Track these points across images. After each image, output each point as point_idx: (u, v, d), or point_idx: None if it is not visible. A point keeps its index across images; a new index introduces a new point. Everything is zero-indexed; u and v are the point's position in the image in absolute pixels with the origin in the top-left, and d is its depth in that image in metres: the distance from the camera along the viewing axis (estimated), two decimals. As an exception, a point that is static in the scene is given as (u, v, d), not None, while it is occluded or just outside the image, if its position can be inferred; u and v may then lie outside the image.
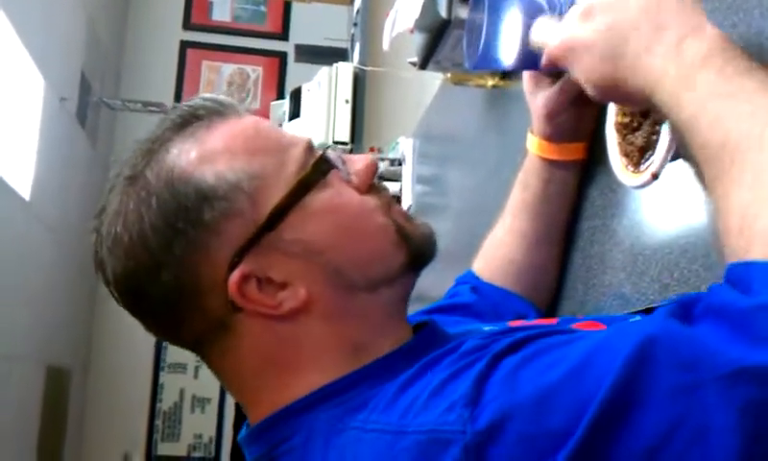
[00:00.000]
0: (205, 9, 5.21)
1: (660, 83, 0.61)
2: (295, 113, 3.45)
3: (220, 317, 0.68)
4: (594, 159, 0.95)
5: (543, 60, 0.74)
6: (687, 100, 0.58)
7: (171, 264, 0.67)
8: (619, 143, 0.80)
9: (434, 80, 1.75)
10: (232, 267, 0.67)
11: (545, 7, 0.85)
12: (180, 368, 4.78)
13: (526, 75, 0.96)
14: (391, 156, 2.28)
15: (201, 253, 0.67)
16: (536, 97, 0.95)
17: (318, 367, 0.67)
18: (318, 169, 0.69)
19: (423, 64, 1.31)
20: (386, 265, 0.70)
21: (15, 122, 3.18)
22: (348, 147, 3.20)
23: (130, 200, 0.68)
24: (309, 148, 0.71)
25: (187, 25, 5.13)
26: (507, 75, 1.29)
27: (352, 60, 3.68)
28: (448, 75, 1.41)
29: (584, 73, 0.68)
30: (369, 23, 3.60)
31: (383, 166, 2.21)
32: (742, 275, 0.48)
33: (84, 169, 4.07)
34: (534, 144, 0.96)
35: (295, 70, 4.92)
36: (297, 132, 0.76)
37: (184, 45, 5.09)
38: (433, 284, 1.60)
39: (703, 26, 0.61)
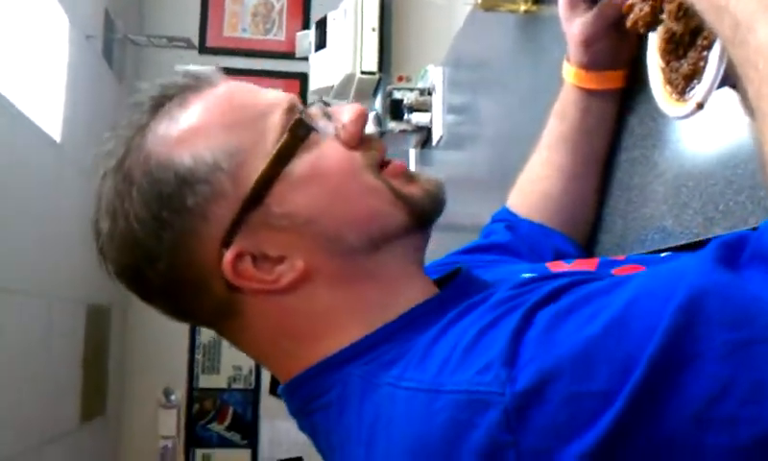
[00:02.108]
0: (227, -61, 5.11)
1: None
2: (321, 44, 3.40)
3: (224, 299, 0.67)
4: (634, 88, 0.91)
5: None
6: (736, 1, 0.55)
7: (164, 254, 0.66)
8: (663, 70, 0.77)
9: (464, 5, 1.71)
10: (224, 249, 0.65)
11: None
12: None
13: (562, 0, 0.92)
14: (420, 85, 2.24)
15: (191, 239, 0.66)
16: (572, 23, 0.91)
17: (338, 330, 0.66)
18: (295, 134, 0.66)
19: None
20: (383, 225, 0.68)
21: (42, 63, 3.17)
22: (375, 76, 3.15)
23: (114, 194, 0.67)
24: (290, 110, 0.68)
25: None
26: None
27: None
28: (478, 0, 1.37)
29: None
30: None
31: (413, 96, 2.18)
32: None
33: (112, 108, 4.07)
34: (570, 73, 0.93)
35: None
36: (279, 91, 0.71)
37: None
38: (468, 215, 1.58)
39: None
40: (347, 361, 0.64)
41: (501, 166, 1.48)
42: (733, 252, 0.48)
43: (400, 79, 2.75)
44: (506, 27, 1.44)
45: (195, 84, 0.69)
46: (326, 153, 0.67)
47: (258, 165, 0.65)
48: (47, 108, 3.21)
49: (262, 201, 0.65)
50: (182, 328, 4.79)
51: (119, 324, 4.40)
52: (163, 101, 0.69)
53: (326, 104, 0.72)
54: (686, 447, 0.43)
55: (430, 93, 2.14)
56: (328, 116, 0.70)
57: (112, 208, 0.67)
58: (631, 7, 0.76)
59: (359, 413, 0.61)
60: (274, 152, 0.65)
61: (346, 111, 0.70)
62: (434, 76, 2.11)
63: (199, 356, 4.80)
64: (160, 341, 4.62)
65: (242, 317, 0.68)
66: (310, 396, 0.66)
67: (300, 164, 0.66)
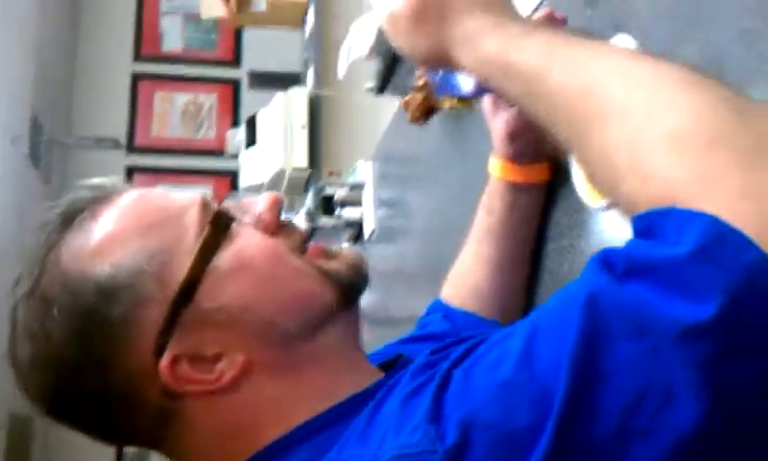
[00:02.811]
0: (156, 39, 5.16)
1: (493, 33, 0.60)
2: (251, 141, 3.42)
3: (161, 407, 0.64)
4: (558, 180, 0.94)
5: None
6: (530, 47, 0.57)
7: (93, 369, 0.64)
8: (583, 164, 0.79)
9: (391, 103, 1.74)
10: (159, 355, 0.63)
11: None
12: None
13: (486, 97, 0.95)
14: (350, 180, 2.26)
15: (121, 349, 0.63)
16: (496, 118, 0.94)
17: (283, 420, 0.64)
18: (217, 226, 0.66)
19: (381, 89, 1.30)
20: (316, 306, 0.67)
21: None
22: (306, 172, 3.18)
23: (32, 316, 0.65)
24: (204, 206, 0.68)
25: (138, 56, 5.08)
26: (465, 98, 1.28)
27: (307, 85, 3.66)
28: (406, 98, 1.40)
29: (404, 42, 0.67)
30: (322, 46, 3.59)
31: (344, 191, 2.19)
32: (650, 226, 0.45)
33: (38, 209, 4.00)
34: (496, 167, 0.96)
35: (249, 97, 4.88)
36: (188, 192, 0.71)
37: (136, 77, 5.04)
38: (403, 307, 1.59)
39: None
40: (282, 451, 0.62)
41: (433, 259, 1.49)
42: (610, 268, 0.47)
43: (331, 174, 2.77)
44: (433, 124, 1.47)
45: (102, 195, 0.68)
46: (249, 241, 0.67)
47: (183, 262, 0.64)
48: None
49: (192, 298, 0.64)
50: (112, 434, 4.62)
51: (42, 434, 4.22)
52: (72, 215, 0.67)
53: (238, 199, 0.73)
54: None
55: (361, 188, 2.16)
56: (243, 210, 0.70)
57: (31, 331, 0.65)
58: (408, 103, 0.80)
59: None
60: (197, 247, 0.65)
61: (260, 201, 0.70)
62: (364, 171, 2.13)
63: (128, 464, 4.62)
64: (85, 452, 4.44)
65: (181, 422, 0.65)
66: None
67: (226, 256, 0.65)
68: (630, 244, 0.46)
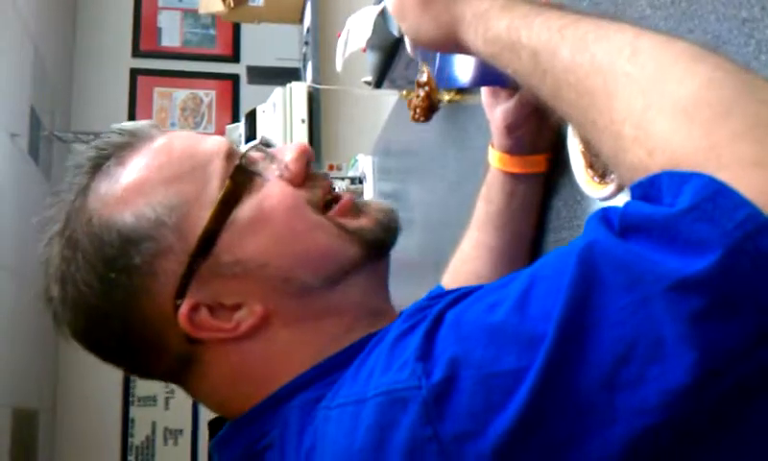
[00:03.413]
0: (154, 35, 5.16)
1: (502, 12, 0.61)
2: (251, 136, 3.41)
3: (182, 352, 0.66)
4: (558, 171, 0.94)
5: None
6: (538, 26, 0.57)
7: (116, 315, 0.65)
8: (583, 154, 0.79)
9: (390, 96, 1.74)
10: (178, 303, 0.64)
11: None
12: (151, 401, 4.70)
13: (484, 89, 0.95)
14: (351, 173, 2.26)
15: (142, 297, 0.65)
16: (494, 110, 0.94)
17: (295, 366, 0.65)
18: (237, 181, 0.66)
19: (378, 83, 1.30)
20: (336, 260, 0.68)
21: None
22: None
23: (60, 260, 0.67)
24: (228, 156, 0.68)
25: (136, 52, 5.08)
26: (463, 90, 1.28)
27: (306, 80, 3.66)
28: (404, 92, 1.40)
29: (411, 25, 0.68)
30: (320, 41, 3.59)
31: (343, 185, 2.19)
32: (648, 189, 0.46)
33: (39, 205, 4.00)
34: (495, 158, 0.96)
35: (248, 92, 4.88)
36: (217, 137, 0.71)
37: (134, 73, 5.03)
38: (404, 297, 1.59)
39: None
40: (289, 396, 0.63)
41: (433, 250, 1.50)
42: (608, 224, 0.47)
43: (331, 168, 2.77)
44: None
45: (132, 141, 0.69)
46: (270, 194, 0.67)
47: (202, 216, 0.65)
48: (-30, 208, 3.13)
49: (210, 251, 0.64)
50: (114, 430, 4.64)
51: (48, 427, 4.24)
52: (101, 161, 0.68)
53: (268, 144, 0.72)
54: (599, 413, 0.43)
55: (361, 181, 2.16)
56: (271, 158, 0.70)
57: (60, 274, 0.67)
58: (410, 101, 0.80)
59: (297, 447, 0.59)
60: (217, 201, 0.65)
61: (288, 151, 0.70)
62: (364, 164, 2.13)
63: (132, 458, 4.63)
64: (92, 443, 4.45)
65: (201, 365, 0.67)
66: (254, 437, 0.64)
67: (245, 209, 0.66)
68: (627, 204, 0.46)
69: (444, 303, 0.53)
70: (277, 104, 3.27)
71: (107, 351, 0.69)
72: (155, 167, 0.67)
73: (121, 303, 0.65)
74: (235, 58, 5.15)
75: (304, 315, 0.66)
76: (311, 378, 0.63)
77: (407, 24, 0.68)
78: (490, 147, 0.96)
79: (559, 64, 0.55)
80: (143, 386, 4.68)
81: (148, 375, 0.71)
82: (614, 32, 0.53)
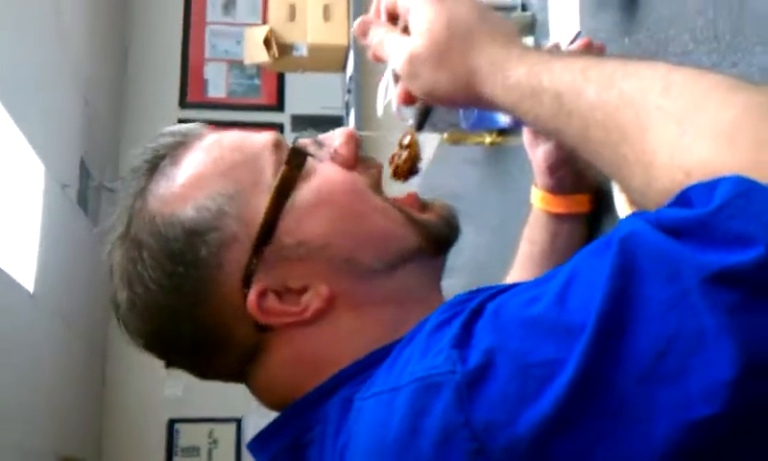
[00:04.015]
0: (201, 86, 5.26)
1: (521, 61, 0.59)
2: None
3: (252, 342, 0.66)
4: (602, 210, 0.93)
5: (400, 96, 0.71)
6: (559, 70, 0.56)
7: (186, 311, 0.65)
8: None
9: (431, 140, 1.74)
10: (246, 290, 0.64)
11: None
12: (194, 451, 4.70)
13: (526, 129, 0.94)
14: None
15: (211, 288, 0.65)
16: (536, 150, 0.93)
17: (354, 352, 0.64)
18: (292, 164, 0.67)
19: (419, 127, 1.29)
20: (397, 243, 0.68)
21: (17, 213, 3.18)
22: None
23: (126, 261, 0.67)
24: (277, 145, 0.69)
25: (183, 103, 5.18)
26: (505, 131, 1.28)
27: (348, 127, 3.69)
28: (445, 135, 1.40)
29: (426, 81, 0.65)
30: (362, 89, 3.62)
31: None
32: (676, 203, 0.44)
33: (88, 254, 4.07)
34: (538, 198, 0.95)
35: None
36: (262, 133, 0.71)
37: (182, 123, 5.12)
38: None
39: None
40: (333, 389, 0.62)
41: (476, 295, 1.48)
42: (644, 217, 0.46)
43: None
44: (474, 159, 1.47)
45: (183, 141, 0.70)
46: (327, 176, 0.68)
47: (262, 202, 0.65)
48: (21, 258, 3.20)
49: (273, 235, 0.65)
50: (159, 478, 4.64)
51: (93, 476, 4.26)
52: (157, 162, 0.69)
53: (315, 134, 0.73)
54: (639, 408, 0.41)
55: (403, 226, 2.15)
56: (319, 145, 0.70)
57: (126, 276, 0.67)
58: (393, 157, 0.79)
59: (333, 445, 0.58)
60: (275, 185, 0.66)
61: (336, 136, 0.70)
62: (406, 209, 2.13)
63: (176, 507, 4.63)
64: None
65: (269, 354, 0.67)
66: (298, 432, 0.63)
67: (304, 192, 0.66)
68: (659, 210, 0.45)
69: (483, 297, 0.52)
70: (321, 151, 3.29)
71: (176, 351, 0.69)
72: (209, 161, 0.68)
73: (191, 296, 0.65)
74: (280, 107, 5.23)
75: (366, 300, 0.66)
76: (357, 370, 0.62)
77: (420, 82, 0.65)
78: (533, 187, 0.96)
79: (584, 103, 0.54)
80: (187, 436, 4.68)
81: (215, 373, 0.71)
82: (643, 68, 0.52)
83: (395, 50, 0.66)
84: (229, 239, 0.65)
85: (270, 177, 0.66)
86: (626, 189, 0.52)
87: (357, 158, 0.70)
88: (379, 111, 1.44)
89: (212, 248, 0.65)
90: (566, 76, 0.56)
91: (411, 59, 0.65)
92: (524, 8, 1.20)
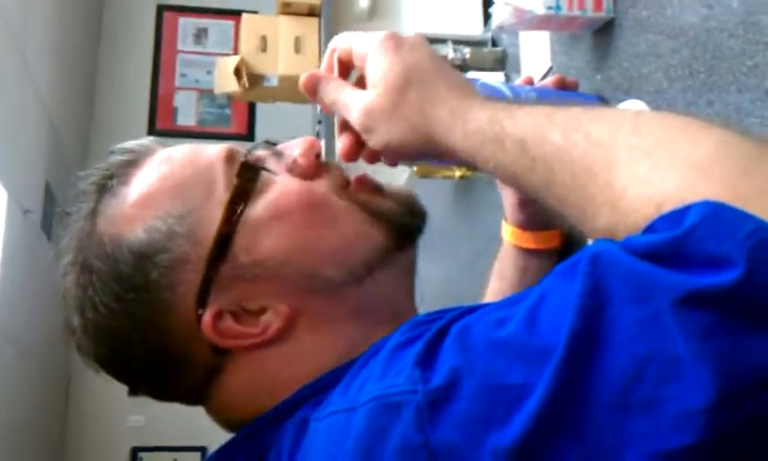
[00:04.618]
0: (170, 114, 5.22)
1: (480, 113, 0.57)
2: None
3: (209, 364, 0.64)
4: (570, 247, 0.92)
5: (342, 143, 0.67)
6: (523, 117, 0.54)
7: (140, 335, 0.63)
8: (597, 229, 0.77)
9: (401, 173, 1.73)
10: (200, 313, 0.62)
11: (509, 96, 0.83)
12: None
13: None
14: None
15: (164, 312, 0.62)
16: (506, 186, 0.92)
17: (317, 371, 0.61)
18: (245, 178, 0.64)
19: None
20: (361, 251, 0.64)
21: (-23, 237, 3.11)
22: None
23: (77, 286, 0.64)
24: (229, 158, 0.66)
25: (152, 130, 5.13)
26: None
27: (309, 136, 3.68)
28: (414, 168, 1.39)
29: (383, 142, 0.62)
30: (332, 120, 3.62)
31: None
32: (647, 229, 0.42)
33: (51, 281, 4.00)
34: (508, 232, 0.94)
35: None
36: (216, 145, 0.69)
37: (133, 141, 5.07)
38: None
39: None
40: (288, 411, 0.59)
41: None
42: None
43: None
44: (443, 192, 1.46)
45: (134, 159, 0.67)
46: (284, 189, 0.65)
47: (214, 219, 0.63)
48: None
49: (227, 254, 0.62)
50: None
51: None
52: (106, 182, 0.67)
53: (273, 144, 0.70)
54: (610, 435, 0.39)
55: (371, 259, 2.14)
56: (278, 155, 0.67)
57: (78, 302, 0.65)
58: None
59: None
60: (226, 201, 0.63)
61: (296, 146, 0.67)
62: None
63: None
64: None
65: (228, 376, 0.64)
66: (248, 457, 0.60)
67: (257, 208, 0.63)
68: (626, 238, 0.43)
69: (449, 317, 0.50)
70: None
71: (132, 374, 0.67)
72: (158, 179, 0.65)
73: (143, 321, 0.63)
74: (250, 136, 5.20)
75: (330, 316, 0.63)
76: (317, 390, 0.59)
77: (377, 136, 0.62)
78: (503, 222, 0.94)
79: (549, 148, 0.52)
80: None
81: (174, 395, 0.68)
82: (610, 112, 0.51)
83: (350, 105, 0.64)
84: (181, 260, 0.62)
85: (222, 192, 0.64)
86: (593, 232, 0.50)
87: (318, 167, 0.67)
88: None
89: (163, 270, 0.62)
90: (530, 121, 0.54)
91: (366, 111, 0.62)
92: (495, 43, 1.20)
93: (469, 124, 0.58)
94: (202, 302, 0.62)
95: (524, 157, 0.53)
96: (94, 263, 0.64)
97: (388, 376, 0.48)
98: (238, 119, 5.26)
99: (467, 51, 1.13)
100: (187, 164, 0.66)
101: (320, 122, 3.85)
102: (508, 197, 0.92)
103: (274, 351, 0.63)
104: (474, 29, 1.26)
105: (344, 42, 0.66)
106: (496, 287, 0.96)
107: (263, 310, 0.62)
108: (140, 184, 0.65)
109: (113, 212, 0.65)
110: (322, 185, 0.66)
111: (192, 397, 0.67)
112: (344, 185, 0.67)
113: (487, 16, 1.25)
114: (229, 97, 4.70)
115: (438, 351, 0.47)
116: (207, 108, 5.28)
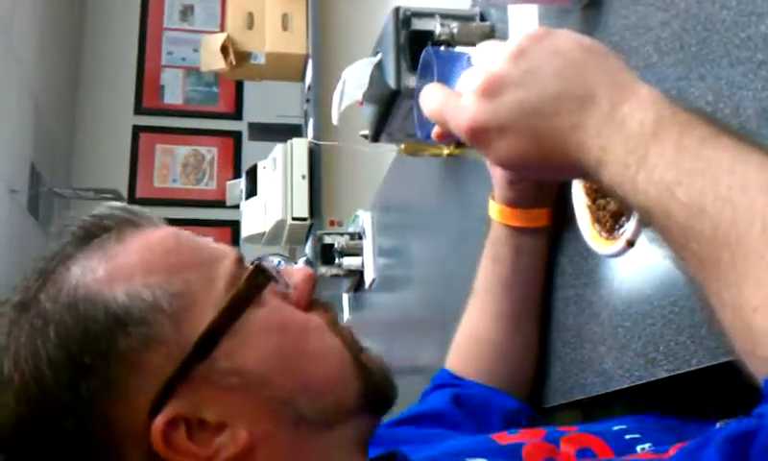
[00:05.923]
0: (157, 92, 5.17)
1: (602, 163, 0.52)
2: (251, 192, 3.39)
3: None
4: (562, 226, 0.90)
5: (435, 133, 0.66)
6: (644, 183, 0.49)
7: (75, 410, 0.55)
8: (589, 207, 0.75)
9: (389, 151, 1.71)
10: (155, 410, 0.55)
11: None
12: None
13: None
14: (351, 229, 2.22)
15: (115, 393, 0.55)
16: (496, 164, 0.90)
17: None
18: (254, 282, 0.60)
19: (375, 137, 1.26)
20: (340, 394, 0.61)
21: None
22: (307, 222, 3.14)
23: (20, 331, 0.56)
24: (239, 261, 0.62)
25: (139, 109, 5.08)
26: (462, 143, 1.25)
27: (307, 136, 3.65)
28: (402, 146, 1.36)
29: (501, 158, 0.58)
30: (321, 98, 3.58)
31: (343, 240, 2.15)
32: None
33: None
34: (495, 210, 0.92)
35: (250, 148, 4.87)
36: (222, 244, 0.64)
37: (137, 130, 5.03)
38: (406, 357, 1.54)
39: (635, 86, 0.53)
40: None
41: (434, 307, 1.45)
42: (743, 445, 0.40)
43: (332, 223, 2.74)
44: (431, 170, 1.44)
45: (134, 220, 0.62)
46: (283, 308, 0.61)
47: (207, 312, 0.57)
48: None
49: (208, 354, 0.57)
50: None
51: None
52: (94, 231, 0.61)
53: (277, 262, 0.66)
54: None
55: (361, 237, 2.12)
56: (278, 274, 0.64)
57: (15, 349, 0.56)
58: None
59: None
60: (227, 299, 0.58)
61: (296, 272, 0.64)
62: (364, 220, 2.10)
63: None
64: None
65: None
66: None
67: (256, 317, 0.59)
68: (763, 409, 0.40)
69: None
70: (278, 160, 3.25)
71: (44, 452, 0.56)
72: (159, 251, 0.60)
73: (87, 394, 0.55)
74: (237, 115, 5.16)
75: (288, 453, 0.59)
76: None
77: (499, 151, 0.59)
78: (490, 199, 0.92)
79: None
80: None
81: None
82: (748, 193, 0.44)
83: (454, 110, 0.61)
84: (156, 340, 0.56)
85: (222, 289, 0.59)
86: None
87: (311, 300, 0.64)
88: (335, 120, 1.40)
89: (134, 344, 0.56)
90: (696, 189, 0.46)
91: (483, 126, 0.58)
92: (483, 17, 1.17)
93: (642, 189, 0.50)
94: (163, 397, 0.55)
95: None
96: (56, 311, 0.57)
97: None
98: (226, 97, 5.21)
99: (454, 25, 1.10)
100: (195, 248, 0.62)
101: (308, 101, 3.81)
102: (497, 174, 0.90)
103: None
104: (462, 3, 1.23)
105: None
106: (491, 272, 0.93)
107: (221, 428, 0.57)
108: (138, 248, 0.60)
109: (96, 265, 0.58)
110: (317, 319, 0.63)
111: None
112: (334, 325, 0.64)
113: (474, -10, 1.22)
114: (216, 75, 4.66)
115: None
116: (194, 86, 5.23)
